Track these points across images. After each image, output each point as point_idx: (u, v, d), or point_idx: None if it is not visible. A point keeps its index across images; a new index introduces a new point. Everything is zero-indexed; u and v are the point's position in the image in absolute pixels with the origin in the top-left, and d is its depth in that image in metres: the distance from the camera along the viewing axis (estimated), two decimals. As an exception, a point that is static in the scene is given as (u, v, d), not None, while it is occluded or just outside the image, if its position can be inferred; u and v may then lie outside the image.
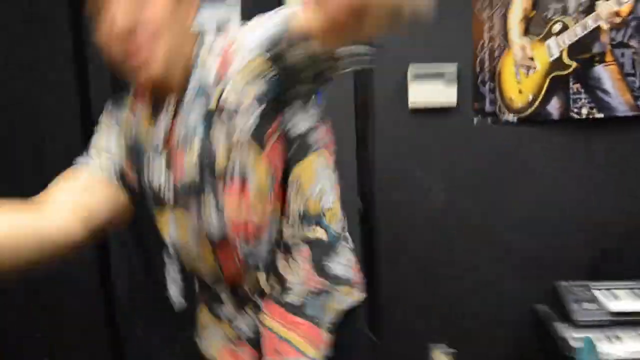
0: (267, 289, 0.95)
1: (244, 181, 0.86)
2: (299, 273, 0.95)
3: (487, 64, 1.89)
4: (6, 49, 1.87)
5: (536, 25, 1.85)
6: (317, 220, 0.94)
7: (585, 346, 1.46)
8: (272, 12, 0.83)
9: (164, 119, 0.89)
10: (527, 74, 1.87)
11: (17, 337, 1.90)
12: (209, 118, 0.85)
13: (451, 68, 1.88)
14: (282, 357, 0.92)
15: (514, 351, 1.91)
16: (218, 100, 0.84)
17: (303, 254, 0.94)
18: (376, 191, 1.93)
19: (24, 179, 1.65)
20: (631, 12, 1.78)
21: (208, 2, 1.78)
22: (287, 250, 0.94)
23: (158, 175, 0.92)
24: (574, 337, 1.53)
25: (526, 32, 1.86)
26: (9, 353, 1.90)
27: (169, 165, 0.90)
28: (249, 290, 0.95)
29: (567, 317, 1.62)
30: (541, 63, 1.86)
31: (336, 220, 1.00)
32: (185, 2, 0.85)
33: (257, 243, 0.91)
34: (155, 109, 0.91)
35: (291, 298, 0.94)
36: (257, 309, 0.96)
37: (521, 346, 1.90)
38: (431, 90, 1.90)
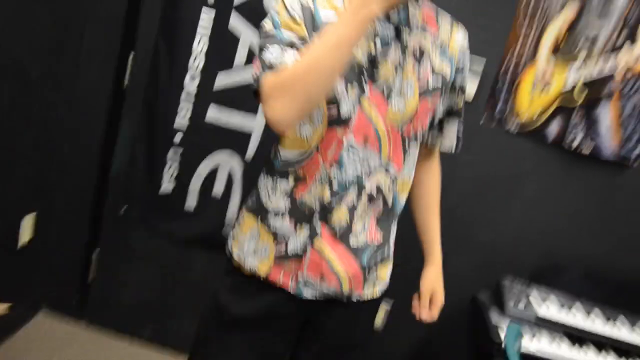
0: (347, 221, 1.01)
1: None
2: (365, 223, 1.04)
3: (511, 70, 2.02)
4: None
5: (564, 52, 1.99)
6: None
7: (510, 332, 1.71)
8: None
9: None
10: (541, 93, 2.03)
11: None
12: (399, 35, 1.02)
13: (479, 63, 1.99)
14: (324, 282, 1.02)
15: (452, 333, 2.17)
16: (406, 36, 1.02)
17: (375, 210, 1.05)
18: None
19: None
20: (645, 69, 1.96)
21: None
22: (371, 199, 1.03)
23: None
24: (505, 326, 1.79)
25: (554, 53, 1.99)
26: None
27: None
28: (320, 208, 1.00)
29: (502, 310, 1.88)
30: (555, 88, 2.02)
31: (405, 193, 1.10)
32: None
33: (402, 168, 1.05)
34: None
35: (354, 242, 1.02)
36: (313, 233, 1.02)
37: (459, 329, 2.16)
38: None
